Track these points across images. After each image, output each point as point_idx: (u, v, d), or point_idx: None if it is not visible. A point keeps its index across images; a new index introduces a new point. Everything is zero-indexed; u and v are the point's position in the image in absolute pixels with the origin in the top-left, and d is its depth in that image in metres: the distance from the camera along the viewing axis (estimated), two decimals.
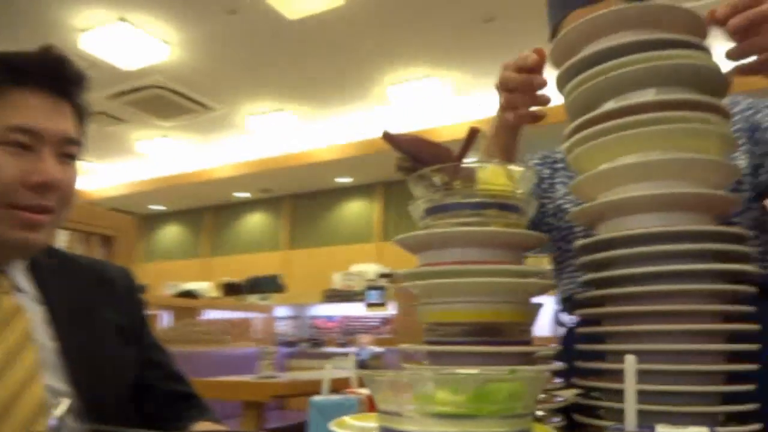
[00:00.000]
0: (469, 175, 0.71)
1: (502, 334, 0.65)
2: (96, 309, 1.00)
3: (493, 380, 0.46)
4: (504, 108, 0.96)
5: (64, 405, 0.37)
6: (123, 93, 5.68)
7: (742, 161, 0.98)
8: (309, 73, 5.45)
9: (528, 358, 0.66)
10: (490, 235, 0.66)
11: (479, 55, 5.14)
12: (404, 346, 0.68)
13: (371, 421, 0.52)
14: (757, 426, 0.59)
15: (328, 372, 0.61)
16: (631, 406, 0.36)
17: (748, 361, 0.63)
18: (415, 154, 0.75)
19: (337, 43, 4.92)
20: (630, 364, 0.37)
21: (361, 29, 4.71)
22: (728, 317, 0.66)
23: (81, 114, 0.95)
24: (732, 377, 0.64)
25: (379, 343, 4.38)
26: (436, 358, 0.66)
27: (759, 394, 0.62)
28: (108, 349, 0.97)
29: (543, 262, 1.18)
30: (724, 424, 0.60)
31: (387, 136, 0.74)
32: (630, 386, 0.36)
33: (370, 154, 6.75)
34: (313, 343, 5.56)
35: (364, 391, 0.62)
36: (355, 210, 8.02)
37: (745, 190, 0.97)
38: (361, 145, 6.78)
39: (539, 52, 0.90)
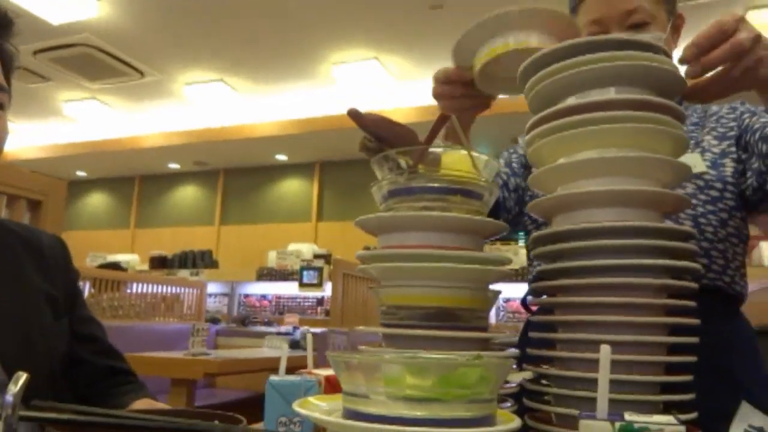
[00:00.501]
0: (434, 160, 0.71)
1: (459, 320, 0.66)
2: (26, 276, 0.94)
3: (461, 365, 0.47)
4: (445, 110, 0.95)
5: (20, 380, 0.34)
6: (48, 49, 5.34)
7: (728, 168, 0.99)
8: (251, 45, 5.30)
9: (484, 345, 0.67)
10: (454, 221, 0.66)
11: (423, 42, 5.15)
12: (361, 328, 0.67)
13: (335, 402, 0.52)
14: (695, 414, 0.63)
15: (284, 351, 0.59)
16: (603, 395, 0.37)
17: (688, 354, 0.67)
18: (381, 135, 0.74)
19: (281, 17, 4.81)
20: (605, 353, 0.38)
21: (306, 3, 4.61)
22: (670, 311, 0.70)
23: (7, 61, 0.88)
24: (670, 368, 0.68)
25: (304, 323, 4.37)
26: (393, 341, 0.66)
27: (695, 385, 0.66)
28: (38, 319, 0.91)
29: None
30: (662, 412, 0.64)
31: (353, 114, 0.73)
32: (603, 375, 0.37)
33: (310, 133, 6.67)
34: (240, 321, 5.48)
35: (321, 371, 0.61)
36: (292, 188, 7.92)
37: (729, 198, 0.97)
38: (300, 123, 6.68)
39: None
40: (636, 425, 0.36)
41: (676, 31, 1.05)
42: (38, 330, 0.91)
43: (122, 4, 4.66)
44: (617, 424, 0.36)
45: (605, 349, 0.38)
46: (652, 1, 1.00)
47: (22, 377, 0.34)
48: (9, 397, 0.32)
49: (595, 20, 1.01)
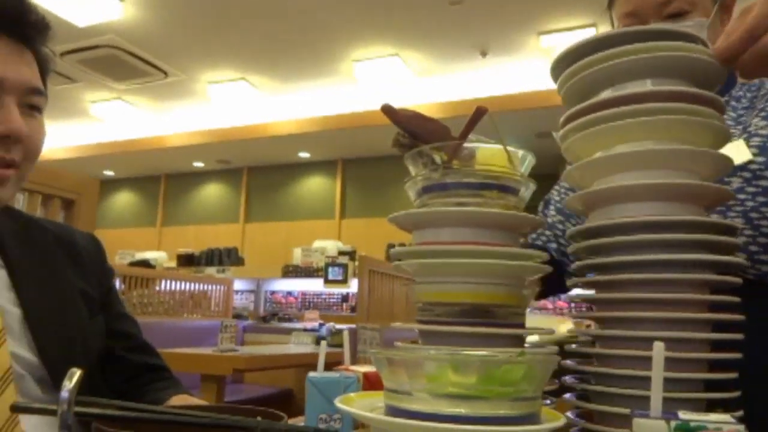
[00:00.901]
0: (469, 155, 0.70)
1: (496, 317, 0.65)
2: (61, 274, 0.95)
3: (505, 362, 0.46)
4: None
5: (76, 376, 0.35)
6: (75, 51, 5.43)
7: None
8: (272, 43, 5.33)
9: (521, 342, 0.66)
10: (491, 216, 0.66)
11: (443, 37, 5.13)
12: (398, 324, 0.67)
13: (376, 399, 0.51)
14: (741, 413, 0.61)
15: (323, 348, 0.59)
16: (657, 392, 0.36)
17: (732, 351, 0.65)
18: (414, 131, 0.73)
19: (302, 15, 4.82)
20: (658, 350, 0.37)
21: (327, 2, 4.62)
22: (714, 306, 0.68)
23: (44, 64, 0.90)
24: (714, 365, 0.66)
25: (329, 319, 4.38)
26: (429, 338, 0.66)
27: (741, 382, 0.64)
28: (75, 316, 0.93)
29: None
30: (707, 410, 0.62)
31: (387, 110, 0.72)
32: (657, 372, 0.36)
33: (332, 130, 6.69)
34: (261, 318, 5.53)
35: (358, 368, 0.61)
36: (315, 186, 7.95)
37: None
38: (322, 120, 6.70)
39: None
40: (692, 424, 0.35)
41: (726, 11, 1.00)
42: (76, 327, 0.92)
43: (145, 5, 4.71)
44: (673, 423, 0.35)
45: (659, 347, 0.37)
46: None
47: (77, 373, 0.34)
48: (65, 393, 0.32)
49: (629, 12, 0.98)
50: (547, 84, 5.74)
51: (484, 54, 5.34)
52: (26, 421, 0.78)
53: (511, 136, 6.63)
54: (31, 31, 0.85)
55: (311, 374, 0.54)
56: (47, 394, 0.84)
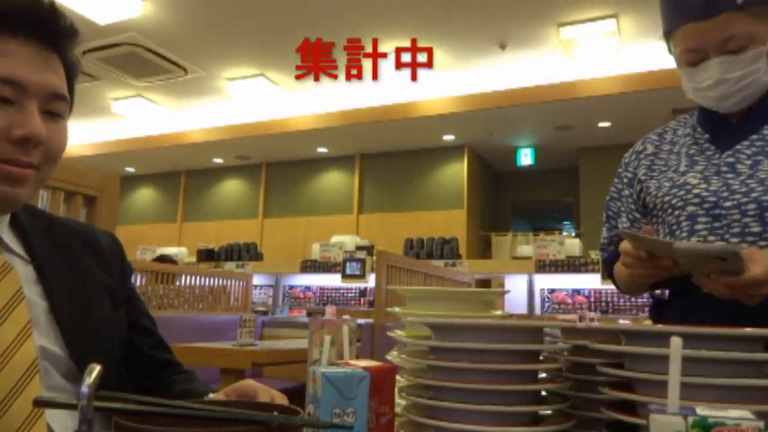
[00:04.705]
0: None
1: None
2: (85, 268, 0.97)
3: None
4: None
5: (95, 372, 0.35)
6: (96, 49, 5.50)
7: None
8: (291, 39, 5.34)
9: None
10: None
11: (462, 31, 5.10)
12: None
13: None
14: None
15: (326, 342, 0.60)
16: (675, 387, 0.36)
17: None
18: None
19: (321, 10, 4.83)
20: (675, 346, 0.37)
21: None
22: None
23: (70, 69, 0.90)
24: None
25: (341, 314, 4.37)
26: None
27: None
28: (99, 308, 0.94)
29: None
30: None
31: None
32: (674, 367, 0.36)
33: (350, 126, 6.69)
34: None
35: (359, 362, 0.62)
36: (334, 181, 7.98)
37: None
38: (340, 115, 6.71)
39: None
40: (710, 420, 0.34)
41: None
42: (101, 319, 0.94)
43: (165, 2, 4.76)
44: (690, 419, 0.34)
45: (676, 342, 0.37)
46: (750, 20, 1.02)
47: (96, 369, 0.35)
48: (84, 389, 0.33)
49: (692, 49, 1.07)
50: (566, 76, 5.69)
51: (503, 47, 5.30)
52: (50, 413, 0.79)
53: (530, 129, 6.59)
54: (59, 37, 0.85)
55: (325, 370, 0.55)
56: (73, 386, 0.85)
